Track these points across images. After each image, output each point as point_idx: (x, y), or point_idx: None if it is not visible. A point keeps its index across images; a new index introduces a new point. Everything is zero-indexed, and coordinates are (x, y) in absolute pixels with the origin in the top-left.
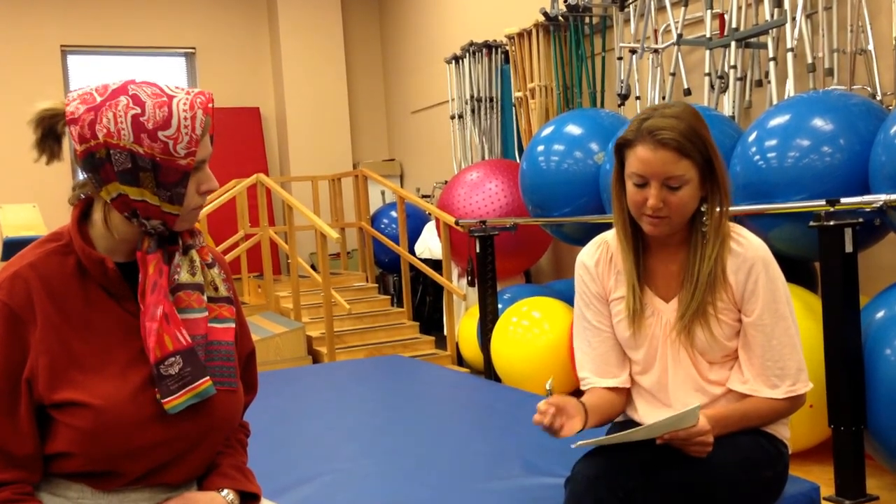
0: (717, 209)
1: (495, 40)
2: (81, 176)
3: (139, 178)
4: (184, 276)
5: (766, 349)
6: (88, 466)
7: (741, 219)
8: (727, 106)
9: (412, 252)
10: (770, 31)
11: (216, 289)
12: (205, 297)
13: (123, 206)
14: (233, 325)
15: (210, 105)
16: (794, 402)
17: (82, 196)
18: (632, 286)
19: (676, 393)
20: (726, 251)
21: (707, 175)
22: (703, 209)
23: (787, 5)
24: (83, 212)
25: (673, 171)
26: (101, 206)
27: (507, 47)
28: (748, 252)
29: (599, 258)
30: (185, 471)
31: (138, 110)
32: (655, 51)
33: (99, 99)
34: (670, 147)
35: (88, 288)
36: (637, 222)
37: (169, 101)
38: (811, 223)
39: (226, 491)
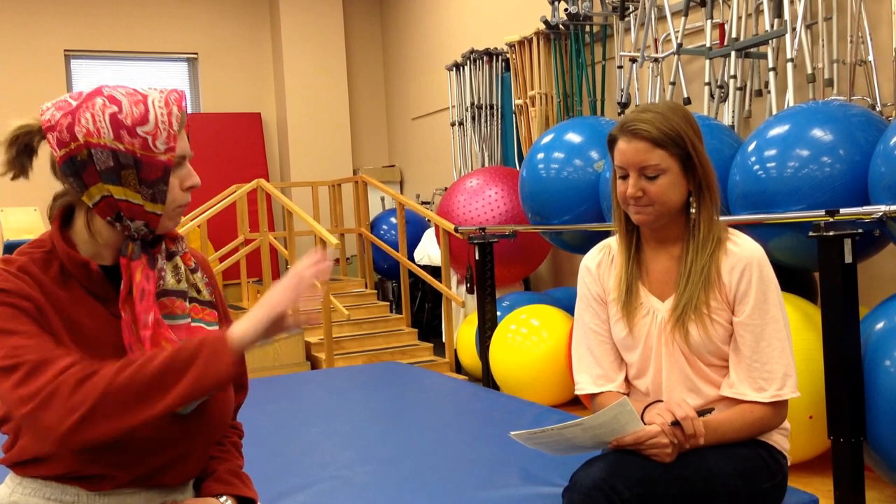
0: (706, 204)
1: (496, 48)
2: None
3: (122, 176)
4: (169, 282)
5: (754, 350)
6: (80, 468)
7: (741, 228)
8: (727, 115)
9: (411, 258)
10: (770, 41)
11: (199, 292)
12: (187, 303)
13: (108, 208)
14: (217, 329)
15: (183, 102)
16: (779, 411)
17: (61, 207)
18: (625, 282)
19: (671, 394)
20: (722, 251)
21: (689, 168)
22: (691, 203)
23: (787, 16)
24: (64, 219)
25: (647, 161)
26: (84, 212)
27: (508, 55)
28: (743, 252)
29: (601, 260)
30: (180, 473)
31: (115, 108)
32: (655, 60)
33: (74, 103)
34: (643, 137)
35: (74, 293)
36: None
37: (144, 98)
38: (810, 233)
39: (224, 497)
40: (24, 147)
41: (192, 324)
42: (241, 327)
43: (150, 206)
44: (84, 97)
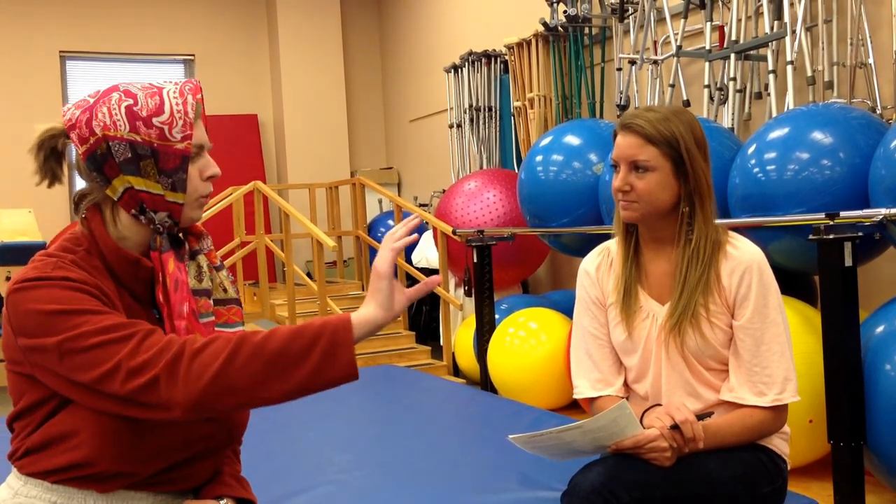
0: (696, 212)
1: (494, 50)
2: (84, 186)
3: (140, 166)
4: (192, 283)
5: (754, 354)
6: (104, 467)
7: (740, 231)
8: (726, 118)
9: (409, 261)
10: (770, 43)
11: (225, 290)
12: (211, 302)
13: (131, 201)
14: (242, 329)
15: (199, 92)
16: (779, 415)
17: (90, 206)
18: (624, 285)
19: (671, 398)
20: (721, 255)
21: (681, 170)
22: (684, 208)
23: (787, 18)
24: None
25: (638, 155)
26: (109, 208)
27: (507, 57)
28: (743, 256)
29: (600, 263)
30: (193, 476)
31: (131, 101)
32: (655, 62)
33: (92, 100)
34: (637, 133)
35: (121, 294)
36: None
37: (159, 90)
38: (810, 237)
39: (224, 499)
40: (50, 151)
41: (217, 328)
42: (367, 311)
43: (171, 195)
44: (101, 93)
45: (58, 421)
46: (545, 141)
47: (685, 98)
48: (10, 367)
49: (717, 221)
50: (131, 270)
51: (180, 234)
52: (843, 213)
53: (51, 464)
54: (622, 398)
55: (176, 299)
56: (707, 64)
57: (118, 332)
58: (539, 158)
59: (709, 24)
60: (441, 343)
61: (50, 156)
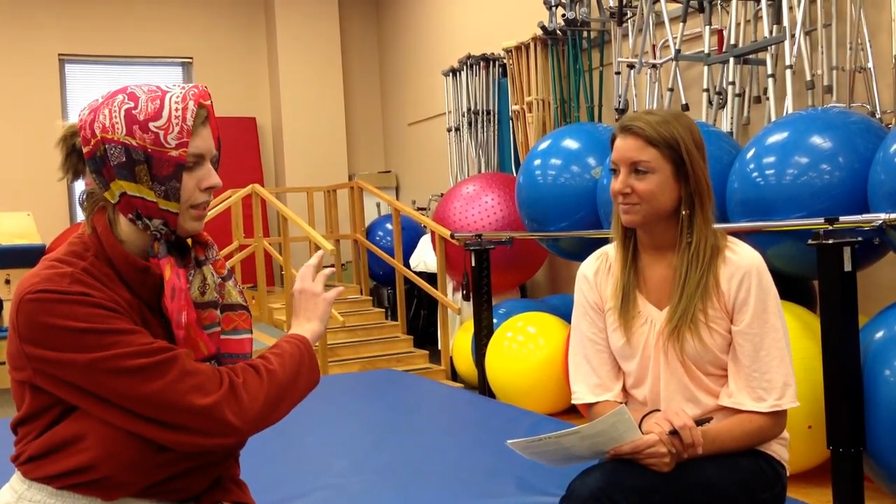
0: (696, 214)
1: (493, 53)
2: (92, 188)
3: (135, 172)
4: (194, 295)
5: (753, 360)
6: (108, 472)
7: (739, 236)
8: (725, 122)
9: (407, 265)
10: (769, 47)
11: (233, 298)
12: (217, 312)
13: (127, 206)
14: (249, 336)
15: (206, 99)
16: (778, 421)
17: (96, 208)
18: (623, 290)
19: (669, 404)
20: (720, 260)
21: (682, 172)
22: (684, 211)
23: (786, 22)
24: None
25: (638, 157)
26: (112, 211)
27: (505, 60)
28: (742, 261)
29: (599, 268)
30: (195, 483)
31: (132, 104)
32: (653, 66)
33: (100, 101)
34: (637, 135)
35: (134, 302)
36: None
37: (162, 95)
38: (810, 241)
39: None
40: (71, 148)
41: (223, 336)
42: (314, 328)
43: (164, 203)
44: (109, 95)
45: (63, 427)
46: (543, 145)
47: (684, 102)
48: (12, 374)
49: (716, 226)
50: (139, 278)
51: (188, 241)
52: (842, 218)
53: (55, 468)
54: (621, 403)
55: (173, 308)
56: (706, 68)
57: (159, 355)
58: (537, 162)
59: (708, 27)
60: (439, 347)
61: (72, 152)
